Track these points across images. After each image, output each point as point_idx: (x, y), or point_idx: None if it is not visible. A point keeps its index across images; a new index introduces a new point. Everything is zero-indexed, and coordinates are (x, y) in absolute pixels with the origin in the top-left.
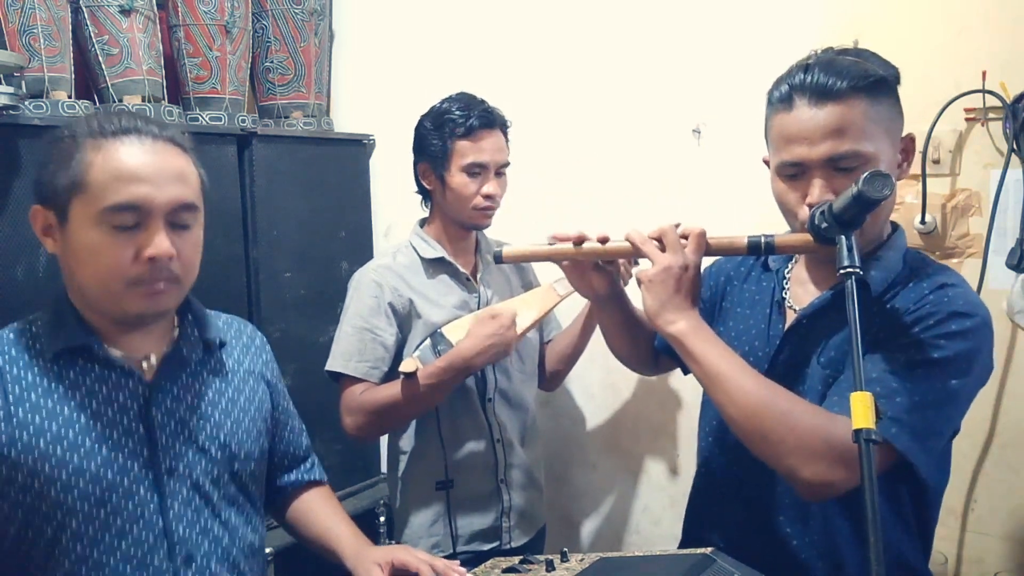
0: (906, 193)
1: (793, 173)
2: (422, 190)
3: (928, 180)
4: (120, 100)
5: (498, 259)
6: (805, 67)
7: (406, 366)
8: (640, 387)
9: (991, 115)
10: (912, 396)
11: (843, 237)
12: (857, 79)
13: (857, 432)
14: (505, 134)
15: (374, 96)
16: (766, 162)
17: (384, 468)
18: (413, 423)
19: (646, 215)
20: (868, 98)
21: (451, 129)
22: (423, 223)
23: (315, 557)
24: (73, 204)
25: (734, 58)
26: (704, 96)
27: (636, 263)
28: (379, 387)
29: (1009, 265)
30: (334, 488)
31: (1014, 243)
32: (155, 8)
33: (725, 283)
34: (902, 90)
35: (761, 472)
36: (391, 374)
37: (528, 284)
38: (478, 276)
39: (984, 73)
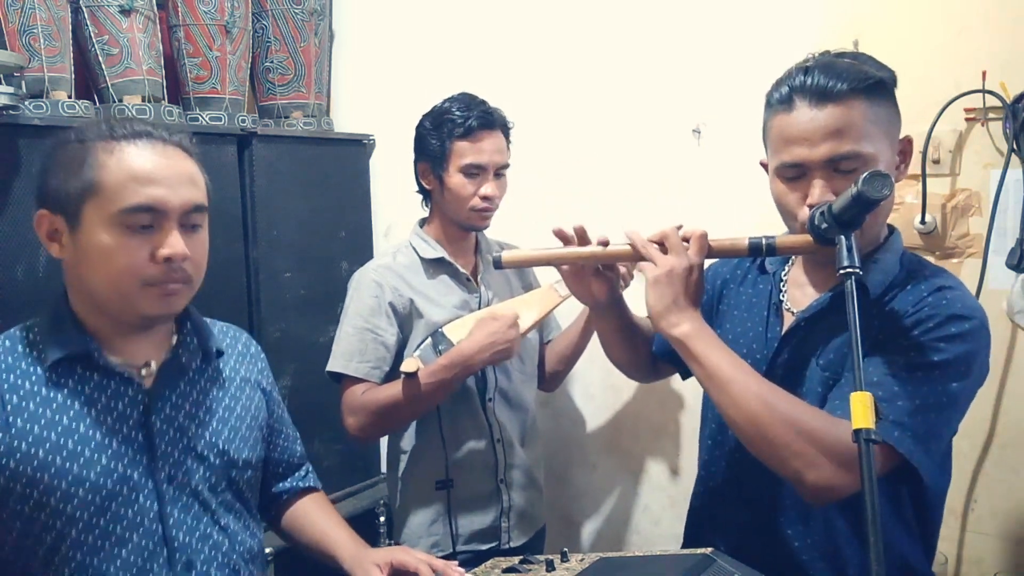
0: (906, 193)
1: (793, 175)
2: (422, 190)
3: (928, 180)
4: (120, 100)
5: (497, 265)
6: (805, 69)
7: (407, 366)
8: (640, 387)
9: (991, 115)
10: (913, 399)
11: (843, 237)
12: (857, 81)
13: (857, 432)
14: (506, 135)
15: (374, 96)
16: (763, 165)
17: (384, 468)
18: (413, 423)
19: (646, 215)
20: (867, 100)
21: (450, 129)
22: (423, 223)
23: (315, 558)
24: (86, 208)
25: (734, 58)
26: (704, 96)
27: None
28: (380, 387)
29: (1009, 265)
30: (334, 488)
31: (1014, 243)
32: (155, 8)
33: (721, 286)
34: (901, 90)
35: (763, 473)
36: (392, 374)
37: (528, 285)
38: (478, 276)
39: (984, 73)
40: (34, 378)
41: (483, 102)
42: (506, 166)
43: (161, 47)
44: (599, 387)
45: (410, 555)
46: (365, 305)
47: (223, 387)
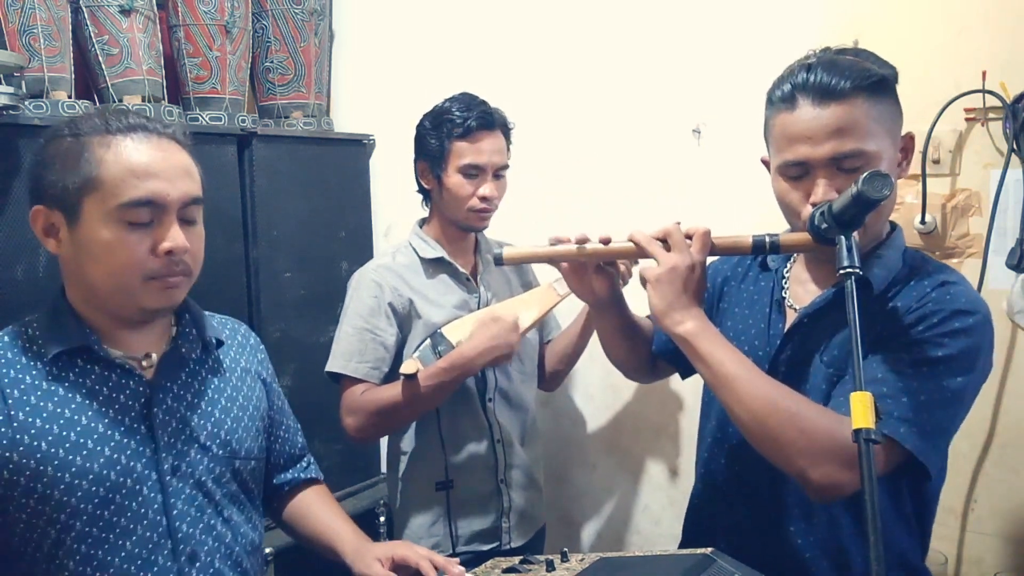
0: (906, 193)
1: (796, 173)
2: (422, 190)
3: (928, 180)
4: (120, 100)
5: (498, 261)
6: (807, 67)
7: (407, 368)
8: (640, 387)
9: (991, 115)
10: (919, 395)
11: (843, 237)
12: (859, 78)
13: (857, 432)
14: (507, 136)
15: (374, 96)
16: (765, 163)
17: (384, 468)
18: (413, 424)
19: (646, 215)
20: (870, 97)
21: (449, 129)
22: (422, 223)
23: (316, 557)
24: (85, 203)
25: (734, 58)
26: (704, 96)
27: (636, 263)
28: (380, 388)
29: (1009, 265)
30: (334, 488)
31: (1014, 243)
32: (155, 8)
33: (722, 283)
34: (902, 90)
35: (764, 471)
36: (391, 374)
37: (528, 284)
38: (478, 276)
39: (984, 73)
40: (35, 372)
41: (483, 102)
42: (505, 167)
43: (161, 47)
44: (599, 387)
45: (412, 550)
46: (364, 305)
47: (224, 378)
